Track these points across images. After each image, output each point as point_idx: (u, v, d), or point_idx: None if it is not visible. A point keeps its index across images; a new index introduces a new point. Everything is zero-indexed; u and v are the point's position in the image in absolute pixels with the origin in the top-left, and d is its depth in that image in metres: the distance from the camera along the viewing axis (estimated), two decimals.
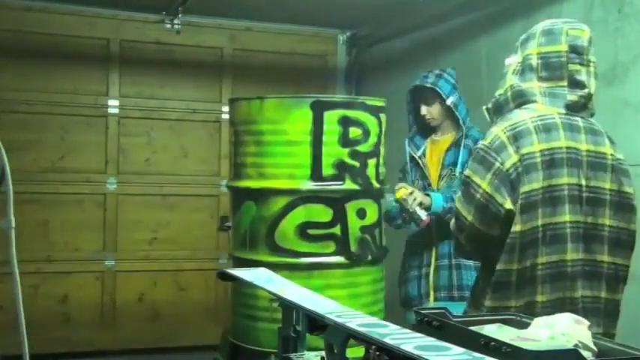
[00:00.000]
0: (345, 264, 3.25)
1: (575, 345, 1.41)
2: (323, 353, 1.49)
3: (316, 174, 3.24)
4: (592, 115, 2.29)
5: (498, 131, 2.19)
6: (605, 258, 2.18)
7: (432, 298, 3.44)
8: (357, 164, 3.26)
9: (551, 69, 2.23)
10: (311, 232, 3.24)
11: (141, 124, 5.34)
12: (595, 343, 1.46)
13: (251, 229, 3.39)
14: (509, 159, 2.13)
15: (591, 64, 2.27)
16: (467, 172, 2.23)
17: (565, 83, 2.22)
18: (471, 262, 3.28)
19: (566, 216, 2.14)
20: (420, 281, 3.50)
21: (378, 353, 1.33)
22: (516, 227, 2.12)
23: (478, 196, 2.16)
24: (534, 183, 2.12)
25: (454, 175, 3.42)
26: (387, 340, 1.24)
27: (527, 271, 2.13)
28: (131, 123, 5.31)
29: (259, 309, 3.30)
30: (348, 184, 3.25)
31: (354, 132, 3.26)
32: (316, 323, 1.55)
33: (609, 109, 3.28)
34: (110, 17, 5.23)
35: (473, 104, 4.51)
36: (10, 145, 2.85)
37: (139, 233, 5.30)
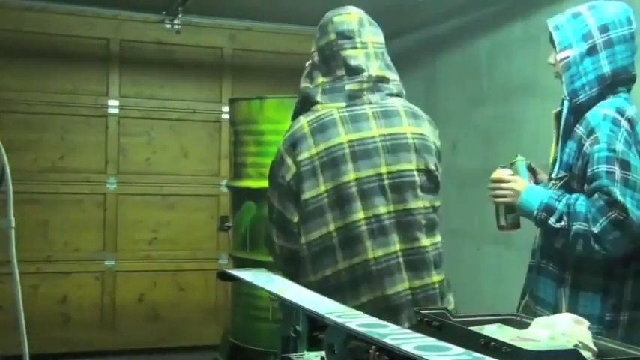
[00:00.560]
0: None
1: (575, 345, 1.41)
2: (323, 353, 1.49)
3: None
4: (399, 96, 2.18)
5: (280, 144, 2.15)
6: (426, 242, 2.09)
7: None
8: None
9: (328, 61, 2.15)
10: None
11: (141, 124, 5.34)
12: (595, 343, 1.46)
13: (251, 229, 3.39)
14: (289, 171, 2.08)
15: (369, 45, 2.16)
16: (267, 192, 2.17)
17: (343, 72, 2.13)
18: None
19: (359, 213, 2.04)
20: None
21: (378, 353, 1.33)
22: (301, 239, 2.06)
23: (274, 215, 2.12)
24: (313, 189, 2.04)
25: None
26: (387, 340, 1.24)
27: (329, 279, 2.04)
28: (131, 123, 5.31)
29: (259, 309, 3.30)
30: None
31: None
32: (316, 323, 1.55)
33: None
34: (110, 17, 5.23)
35: (473, 104, 4.52)
36: (10, 145, 2.85)
37: (139, 233, 5.30)
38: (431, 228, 2.12)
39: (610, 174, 2.02)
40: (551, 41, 2.25)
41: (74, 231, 5.14)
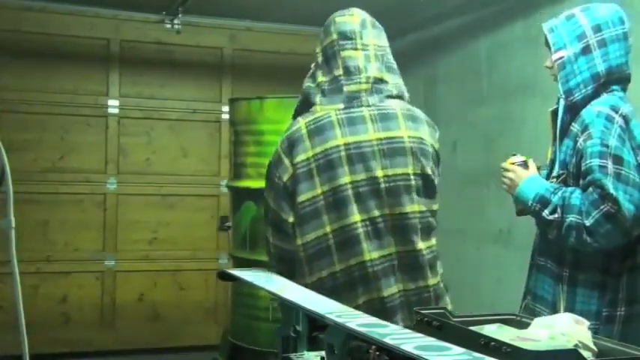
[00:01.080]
0: None
1: (575, 345, 1.41)
2: (323, 353, 1.49)
3: None
4: (399, 98, 2.18)
5: (278, 144, 2.15)
6: (421, 245, 2.09)
7: None
8: None
9: (328, 61, 2.16)
10: None
11: (141, 124, 5.34)
12: (595, 343, 1.46)
13: (251, 229, 3.39)
14: (286, 172, 2.08)
15: (370, 47, 2.16)
16: (264, 192, 2.18)
17: (341, 72, 2.13)
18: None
19: (355, 216, 2.04)
20: None
21: (378, 353, 1.33)
22: (297, 240, 2.06)
23: (270, 215, 2.13)
24: (310, 191, 2.05)
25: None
26: (387, 340, 1.24)
27: (325, 281, 2.04)
28: (131, 123, 5.31)
29: (259, 309, 3.30)
30: None
31: None
32: (316, 323, 1.55)
33: None
34: (110, 17, 5.23)
35: (473, 104, 4.52)
36: (10, 145, 2.85)
37: (139, 233, 5.30)
38: (427, 232, 2.12)
39: (603, 168, 2.06)
40: (547, 44, 2.30)
41: (74, 231, 5.14)
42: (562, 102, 2.26)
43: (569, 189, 2.16)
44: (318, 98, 2.15)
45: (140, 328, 5.22)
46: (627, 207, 2.03)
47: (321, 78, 2.17)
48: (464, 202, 4.40)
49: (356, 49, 2.15)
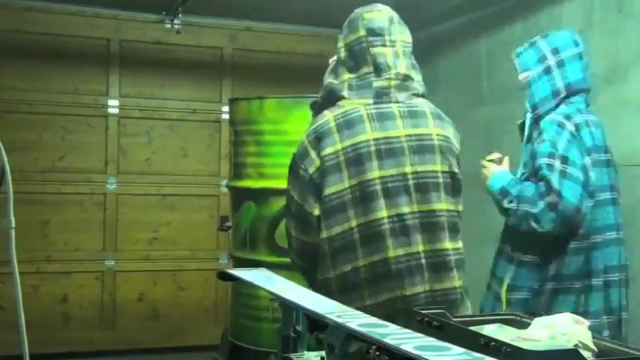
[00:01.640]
0: None
1: (575, 345, 1.41)
2: (323, 353, 1.49)
3: None
4: (418, 95, 2.19)
5: (304, 137, 2.12)
6: (449, 245, 2.07)
7: None
8: None
9: (356, 58, 2.14)
10: None
11: (141, 124, 5.34)
12: (595, 343, 1.46)
13: (251, 229, 3.39)
14: (312, 164, 2.06)
15: (397, 43, 2.15)
16: (286, 184, 2.15)
17: (370, 69, 2.11)
18: None
19: (382, 212, 2.01)
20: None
21: (378, 353, 1.33)
22: (322, 234, 2.03)
23: (294, 208, 2.10)
24: (337, 184, 2.02)
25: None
26: (387, 340, 1.24)
27: (348, 276, 2.01)
28: (131, 123, 5.31)
29: (259, 309, 3.31)
30: None
31: None
32: (316, 323, 1.55)
33: (609, 109, 3.28)
34: (110, 17, 5.23)
35: (473, 104, 4.52)
36: (11, 145, 2.86)
37: (139, 233, 5.30)
38: (453, 231, 2.10)
39: (550, 166, 2.50)
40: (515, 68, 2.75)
41: (74, 231, 5.14)
42: (529, 115, 2.70)
43: (526, 183, 2.59)
44: (345, 93, 2.13)
45: (140, 328, 5.22)
46: (569, 199, 2.46)
47: (346, 74, 2.15)
48: (464, 202, 4.39)
49: (385, 45, 2.13)
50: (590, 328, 1.51)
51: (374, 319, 1.42)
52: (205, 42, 5.46)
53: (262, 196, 3.34)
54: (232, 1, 4.98)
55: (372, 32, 2.14)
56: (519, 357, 1.28)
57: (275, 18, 5.39)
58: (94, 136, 5.22)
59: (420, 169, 2.05)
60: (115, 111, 5.27)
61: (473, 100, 4.52)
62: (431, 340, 1.27)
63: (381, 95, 2.10)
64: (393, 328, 1.35)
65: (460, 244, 2.12)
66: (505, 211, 2.64)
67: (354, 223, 2.01)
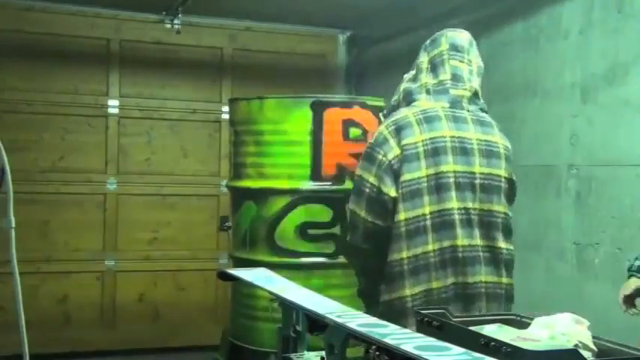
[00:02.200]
0: (345, 264, 3.25)
1: (575, 345, 1.41)
2: (323, 353, 1.49)
3: (316, 174, 3.25)
4: (484, 111, 2.38)
5: (382, 128, 2.29)
6: (502, 244, 2.26)
7: None
8: (357, 164, 3.26)
9: (436, 67, 2.35)
10: (311, 232, 3.25)
11: (141, 124, 5.34)
12: (595, 343, 1.46)
13: (251, 229, 3.39)
14: (392, 151, 2.22)
15: (473, 63, 2.38)
16: (357, 171, 2.30)
17: (448, 77, 2.32)
18: None
19: (453, 202, 2.19)
20: None
21: (378, 353, 1.33)
22: (400, 216, 2.18)
23: (367, 190, 2.23)
24: (416, 172, 2.19)
25: None
26: (387, 340, 1.24)
27: (419, 258, 2.17)
28: (131, 123, 5.31)
29: (259, 309, 3.31)
30: (349, 185, 3.25)
31: (354, 132, 3.27)
32: (316, 323, 1.55)
33: (609, 109, 3.28)
34: (110, 17, 5.23)
35: None
36: (11, 145, 2.85)
37: (139, 233, 5.30)
38: (506, 233, 2.29)
39: None
40: None
41: (74, 231, 5.14)
42: None
43: None
44: (422, 96, 2.33)
45: (140, 328, 5.22)
46: None
47: (425, 80, 2.36)
48: None
49: (462, 61, 2.37)
50: None
51: (374, 319, 1.42)
52: (205, 42, 5.46)
53: (262, 196, 3.34)
54: (232, 1, 4.98)
55: (454, 47, 2.37)
56: (519, 357, 1.28)
57: (275, 18, 5.39)
58: (94, 136, 5.22)
59: (486, 170, 2.26)
60: (115, 111, 5.27)
61: None
62: (431, 340, 1.27)
63: (455, 102, 2.31)
64: (392, 328, 1.35)
65: (512, 246, 2.31)
66: None
67: (427, 210, 2.19)
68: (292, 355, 1.65)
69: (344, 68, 5.82)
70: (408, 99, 2.34)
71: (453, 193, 2.19)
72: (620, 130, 3.20)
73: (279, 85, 5.12)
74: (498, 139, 2.32)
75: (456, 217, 2.18)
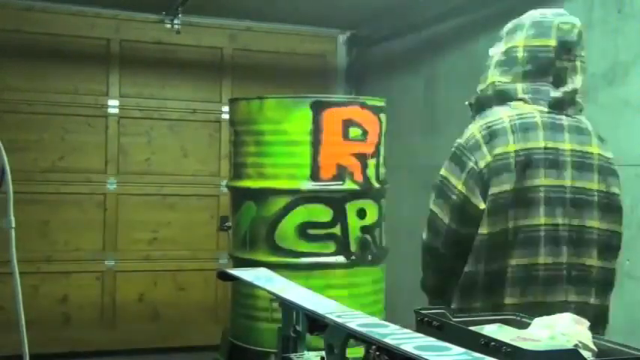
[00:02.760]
0: (345, 264, 3.25)
1: (575, 345, 1.41)
2: (323, 353, 1.49)
3: (316, 174, 3.24)
4: (581, 111, 2.20)
5: (474, 129, 2.12)
6: (595, 262, 2.09)
7: None
8: (357, 164, 3.26)
9: (538, 64, 2.14)
10: (311, 232, 3.24)
11: (141, 124, 5.34)
12: (595, 343, 1.46)
13: (251, 229, 3.39)
14: (483, 159, 2.07)
15: (578, 58, 2.17)
16: (443, 171, 2.15)
17: (550, 79, 2.14)
18: None
19: (540, 219, 2.05)
20: None
21: (378, 353, 1.33)
22: (483, 230, 2.06)
23: (454, 197, 2.10)
24: (505, 184, 2.05)
25: None
26: (387, 340, 1.24)
27: (494, 273, 2.05)
28: (131, 123, 5.31)
29: (259, 309, 3.30)
30: (348, 184, 3.25)
31: (354, 132, 3.27)
32: (316, 323, 1.55)
33: (609, 109, 3.28)
34: (110, 17, 5.23)
35: None
36: (11, 145, 2.85)
37: (139, 233, 5.30)
38: (603, 250, 2.12)
39: None
40: None
41: (74, 231, 5.14)
42: None
43: None
44: (520, 95, 2.14)
45: (140, 328, 5.22)
46: None
47: (521, 77, 2.15)
48: None
49: (570, 60, 2.16)
50: None
51: (374, 319, 1.42)
52: (205, 42, 5.46)
53: (262, 196, 3.34)
54: (232, 1, 4.98)
55: (564, 45, 2.14)
56: (519, 357, 1.27)
57: (275, 18, 5.39)
58: (94, 136, 5.22)
59: (578, 184, 2.09)
60: (115, 111, 5.27)
61: None
62: (431, 340, 1.26)
63: (555, 106, 2.13)
64: (392, 328, 1.35)
65: (612, 264, 2.14)
66: None
67: (511, 224, 2.04)
68: (292, 355, 1.65)
69: (344, 68, 5.82)
70: (504, 97, 2.15)
71: (542, 209, 2.05)
72: (620, 130, 3.20)
73: (279, 85, 5.12)
74: (595, 149, 2.14)
75: (542, 233, 2.05)
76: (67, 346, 5.01)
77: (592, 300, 2.10)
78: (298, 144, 3.26)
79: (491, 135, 2.08)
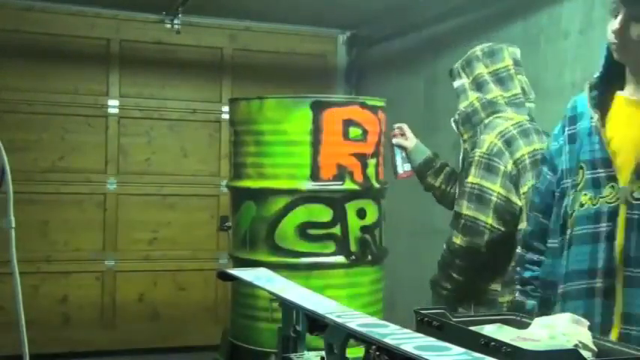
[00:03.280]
0: (345, 264, 3.25)
1: (575, 345, 1.41)
2: (323, 353, 1.49)
3: (316, 174, 3.24)
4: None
5: (492, 138, 2.42)
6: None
7: None
8: (357, 164, 3.26)
9: (505, 82, 2.54)
10: (311, 232, 3.24)
11: (141, 124, 5.34)
12: (595, 343, 1.46)
13: (251, 229, 3.39)
14: (509, 163, 2.39)
15: (524, 76, 2.60)
16: (473, 179, 2.39)
17: (519, 91, 2.54)
18: None
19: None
20: None
21: (378, 353, 1.33)
22: (522, 225, 2.29)
23: (494, 199, 2.36)
24: (529, 182, 2.34)
25: None
26: (387, 340, 1.24)
27: None
28: (131, 123, 5.31)
29: (259, 309, 3.30)
30: (348, 184, 3.25)
31: (354, 132, 3.27)
32: (316, 323, 1.55)
33: None
34: (110, 17, 5.24)
35: None
36: (11, 145, 2.85)
37: (139, 233, 5.30)
38: None
39: None
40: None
41: (74, 231, 5.14)
42: None
43: None
44: (506, 107, 2.51)
45: (140, 328, 5.22)
46: None
47: (499, 92, 2.53)
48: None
49: (522, 74, 2.60)
50: None
51: (374, 319, 1.42)
52: (205, 42, 5.46)
53: (262, 196, 3.33)
54: (232, 1, 4.98)
55: (517, 62, 2.60)
56: (519, 357, 1.27)
57: (275, 18, 5.39)
58: (94, 136, 5.22)
59: None
60: (115, 111, 5.28)
61: None
62: (431, 340, 1.26)
63: (530, 114, 2.54)
64: (392, 328, 1.35)
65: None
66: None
67: None
68: (292, 355, 1.65)
69: (344, 68, 5.82)
70: (490, 110, 2.50)
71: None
72: None
73: (279, 85, 5.11)
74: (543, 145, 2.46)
75: None
76: (67, 346, 5.01)
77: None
78: (298, 144, 3.26)
79: (508, 142, 2.40)
